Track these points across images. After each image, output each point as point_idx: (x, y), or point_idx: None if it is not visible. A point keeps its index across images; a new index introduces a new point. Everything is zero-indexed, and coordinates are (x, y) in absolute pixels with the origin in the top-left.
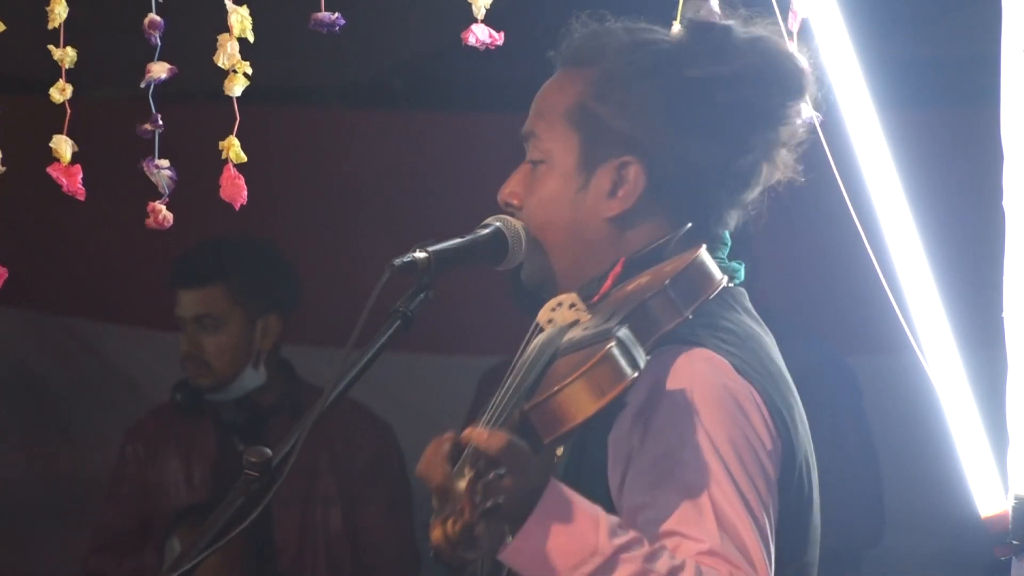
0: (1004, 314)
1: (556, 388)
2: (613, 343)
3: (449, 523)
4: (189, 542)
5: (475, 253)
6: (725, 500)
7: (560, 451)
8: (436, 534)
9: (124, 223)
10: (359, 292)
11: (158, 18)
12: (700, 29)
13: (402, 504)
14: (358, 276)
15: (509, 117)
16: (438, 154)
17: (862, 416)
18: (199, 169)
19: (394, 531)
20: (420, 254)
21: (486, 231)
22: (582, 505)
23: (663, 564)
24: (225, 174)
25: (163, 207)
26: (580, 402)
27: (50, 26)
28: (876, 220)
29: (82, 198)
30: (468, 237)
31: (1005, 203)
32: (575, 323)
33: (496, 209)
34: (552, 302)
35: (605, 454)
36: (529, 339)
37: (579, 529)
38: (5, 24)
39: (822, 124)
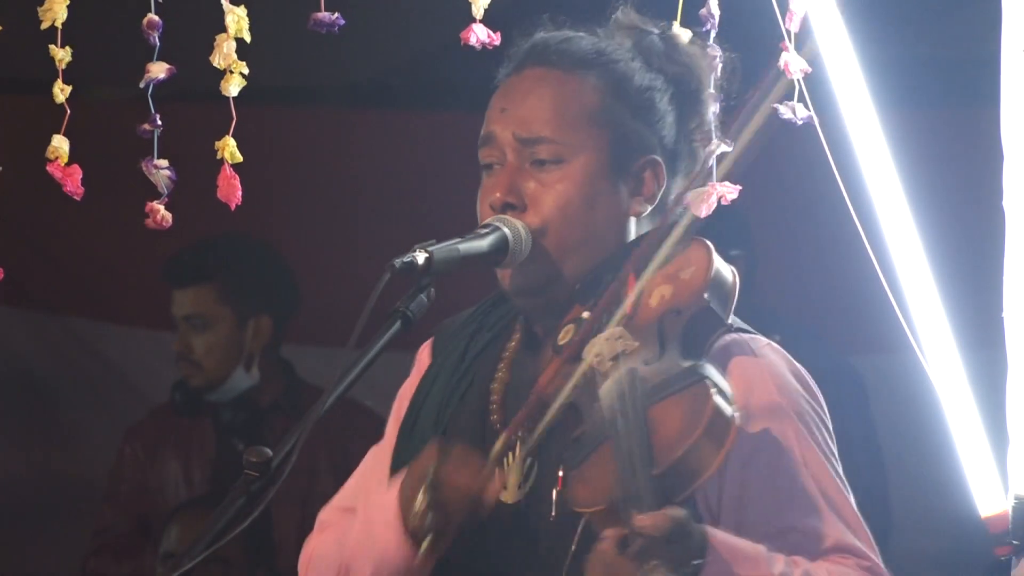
0: (1004, 314)
1: (679, 452)
2: (713, 390)
3: None
4: (187, 529)
5: (476, 253)
6: (839, 494)
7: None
8: None
9: (124, 223)
10: (359, 292)
11: (157, 18)
12: (646, 35)
13: None
14: (358, 276)
15: None
16: (438, 154)
17: (868, 418)
18: (199, 169)
19: None
20: (420, 254)
21: (487, 231)
22: (744, 546)
23: None
24: (222, 174)
25: (162, 207)
26: (705, 458)
27: (44, 26)
28: (876, 220)
29: (78, 198)
30: (469, 237)
31: (1005, 203)
32: (621, 354)
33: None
34: (600, 338)
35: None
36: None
37: (750, 568)
38: (5, 24)
39: (822, 124)
